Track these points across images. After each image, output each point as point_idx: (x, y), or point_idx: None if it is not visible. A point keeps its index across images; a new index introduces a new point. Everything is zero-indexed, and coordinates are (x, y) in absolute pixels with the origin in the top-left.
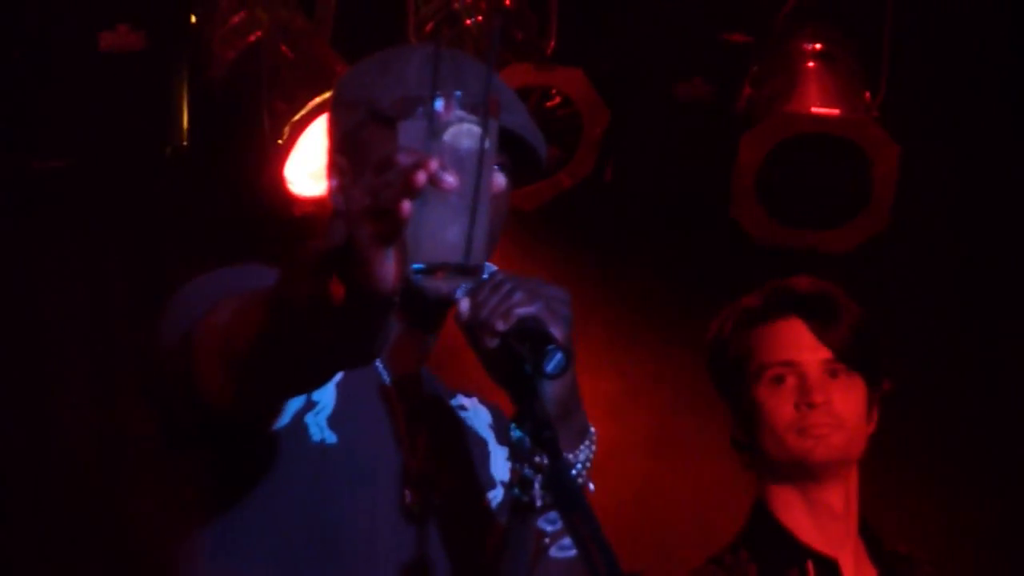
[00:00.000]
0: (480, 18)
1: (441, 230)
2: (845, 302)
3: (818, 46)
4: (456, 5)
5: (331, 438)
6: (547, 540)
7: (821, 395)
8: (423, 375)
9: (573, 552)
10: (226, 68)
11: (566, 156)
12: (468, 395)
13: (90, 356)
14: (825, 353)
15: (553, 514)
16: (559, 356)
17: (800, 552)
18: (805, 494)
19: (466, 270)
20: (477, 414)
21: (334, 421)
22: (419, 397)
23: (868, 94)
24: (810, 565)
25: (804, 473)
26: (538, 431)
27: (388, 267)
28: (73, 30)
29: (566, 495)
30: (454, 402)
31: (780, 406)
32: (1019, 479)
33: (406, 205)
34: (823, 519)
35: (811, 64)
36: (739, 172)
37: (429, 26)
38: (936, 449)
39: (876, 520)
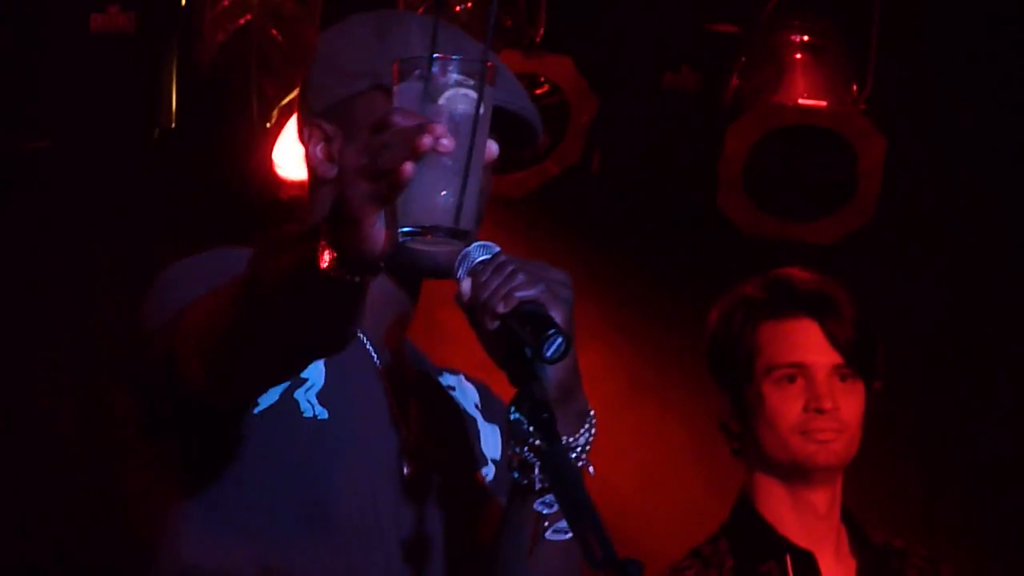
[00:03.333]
0: (469, 4)
1: (433, 193)
2: (849, 300)
3: (806, 38)
4: None
5: (323, 413)
6: (544, 523)
7: (830, 401)
8: (407, 350)
9: (569, 535)
10: (216, 51)
11: (553, 144)
12: (454, 372)
13: (74, 339)
14: (835, 357)
15: (549, 497)
16: (559, 341)
17: (779, 545)
18: (792, 492)
19: (456, 234)
20: (464, 392)
21: (324, 397)
22: (407, 372)
23: (855, 86)
24: (788, 558)
25: (798, 474)
26: (536, 414)
27: (379, 229)
28: (63, 11)
29: (562, 478)
30: (442, 380)
31: (787, 406)
32: (1005, 473)
33: (408, 167)
34: (806, 517)
35: (798, 55)
36: (725, 162)
37: (419, 11)
38: (921, 445)
39: (864, 514)
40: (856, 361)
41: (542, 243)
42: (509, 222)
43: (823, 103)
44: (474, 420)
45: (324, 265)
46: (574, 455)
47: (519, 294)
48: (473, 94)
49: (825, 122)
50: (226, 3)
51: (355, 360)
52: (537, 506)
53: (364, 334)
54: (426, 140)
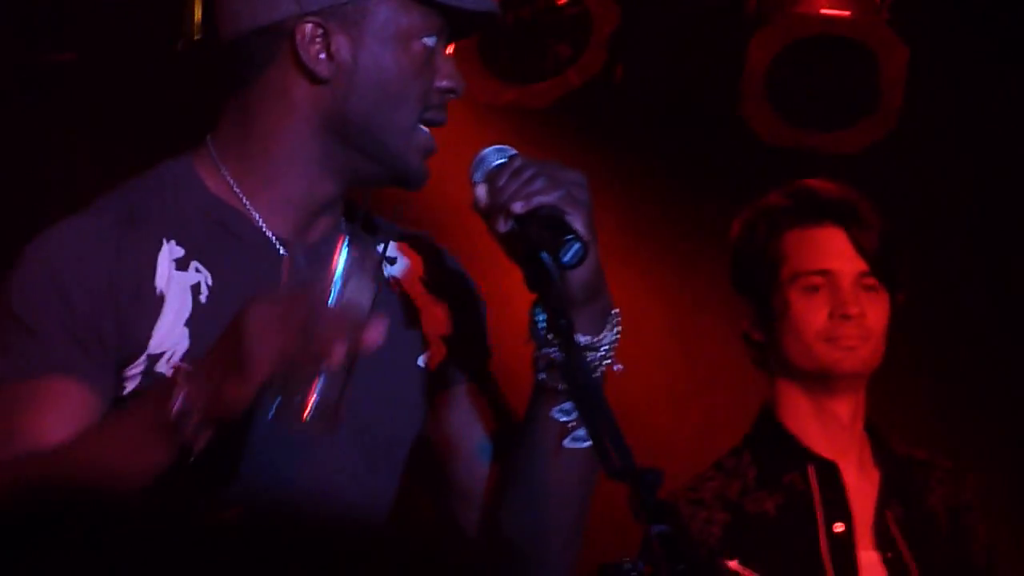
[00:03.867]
0: None
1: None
2: (874, 209)
3: None
4: None
5: None
6: (571, 426)
7: (856, 307)
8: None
9: (587, 443)
10: None
11: (575, 54)
12: (410, 238)
13: None
14: (861, 265)
15: (568, 404)
16: (577, 247)
17: (801, 455)
18: (816, 401)
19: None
20: (403, 266)
21: (192, 355)
22: (323, 261)
23: None
24: (811, 469)
25: (822, 382)
26: (555, 320)
27: (252, 391)
28: None
29: (580, 385)
30: (388, 252)
31: (812, 314)
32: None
33: (341, 355)
34: (829, 426)
35: None
36: (748, 73)
37: None
38: (944, 357)
39: (887, 427)
40: (881, 269)
41: (562, 154)
42: (530, 132)
43: (846, 12)
44: (412, 301)
45: (182, 414)
46: (600, 354)
47: (538, 199)
48: (372, 287)
49: (848, 31)
50: None
51: (246, 278)
52: (555, 413)
53: (275, 232)
54: (375, 337)
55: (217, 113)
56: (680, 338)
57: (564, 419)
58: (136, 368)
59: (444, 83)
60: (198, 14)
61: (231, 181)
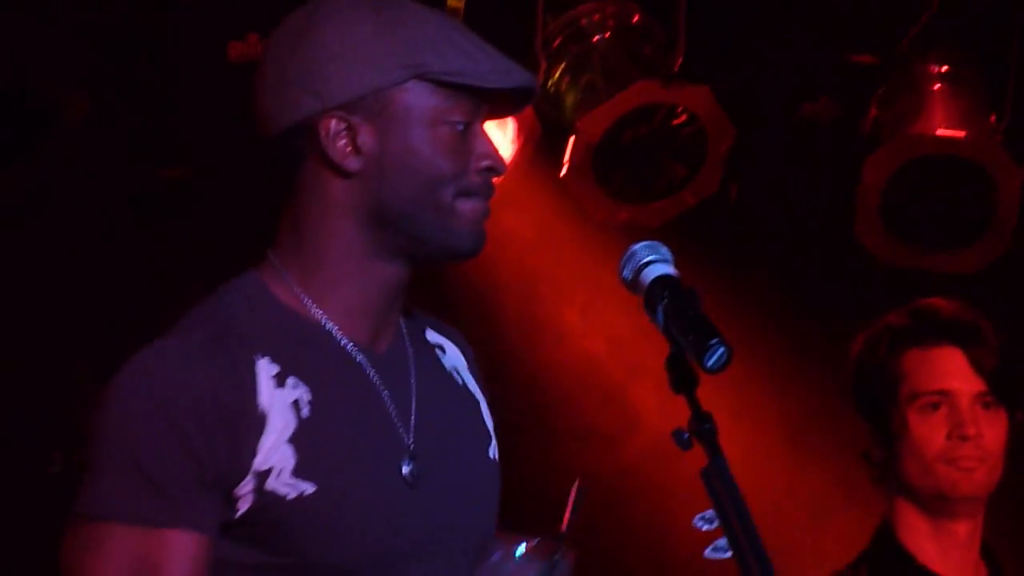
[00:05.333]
0: (607, 35)
1: None
2: (993, 328)
3: (944, 68)
4: (584, 22)
5: (308, 488)
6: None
7: (974, 428)
8: (402, 329)
9: (728, 554)
10: None
11: (691, 174)
12: (441, 330)
13: None
14: (979, 385)
15: (709, 513)
16: (721, 351)
17: (918, 574)
18: (934, 521)
19: None
20: (454, 356)
21: (302, 469)
22: (403, 361)
23: (993, 117)
24: None
25: (941, 504)
26: (698, 425)
27: None
28: (202, 39)
29: (722, 494)
30: (431, 339)
31: (932, 434)
32: None
33: None
34: (947, 545)
35: (937, 86)
36: (863, 192)
37: (557, 41)
38: None
39: (1004, 552)
40: (1000, 389)
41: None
42: None
43: (961, 133)
44: (471, 392)
45: None
46: None
47: None
48: None
49: (963, 152)
50: None
51: (338, 392)
52: (696, 522)
53: (352, 341)
54: None
55: (275, 222)
56: (794, 458)
57: (705, 527)
58: (245, 487)
59: (481, 163)
60: None
61: (298, 291)
